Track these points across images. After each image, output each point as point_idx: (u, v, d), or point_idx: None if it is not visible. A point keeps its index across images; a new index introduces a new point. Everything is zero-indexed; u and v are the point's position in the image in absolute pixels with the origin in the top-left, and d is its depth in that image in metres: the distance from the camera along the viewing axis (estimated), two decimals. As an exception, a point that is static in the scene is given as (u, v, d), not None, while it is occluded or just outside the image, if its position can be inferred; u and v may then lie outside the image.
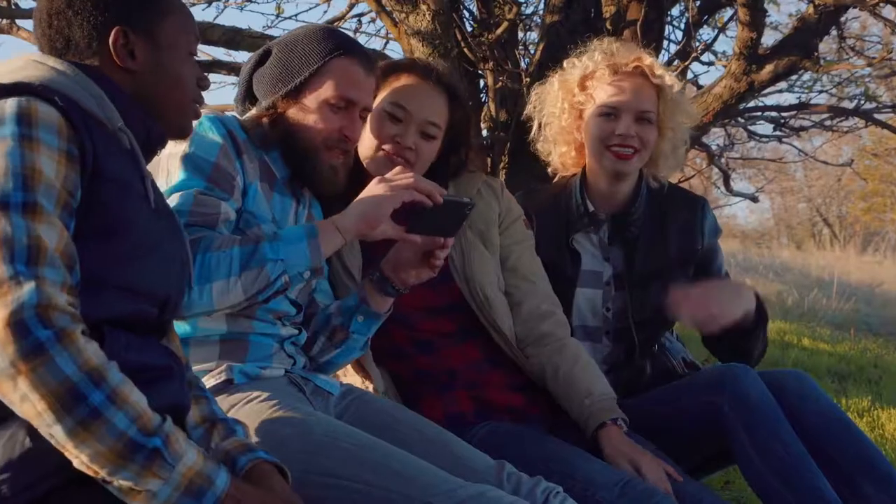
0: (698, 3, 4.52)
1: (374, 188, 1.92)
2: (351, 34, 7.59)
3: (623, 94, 2.56)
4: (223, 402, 1.88)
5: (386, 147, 2.34)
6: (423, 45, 4.20)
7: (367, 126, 2.34)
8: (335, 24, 6.04)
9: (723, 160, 6.01)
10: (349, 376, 2.37)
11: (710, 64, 4.83)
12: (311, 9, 7.72)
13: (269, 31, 5.70)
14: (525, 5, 4.46)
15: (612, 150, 2.57)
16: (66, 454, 1.29)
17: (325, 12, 5.78)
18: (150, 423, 1.32)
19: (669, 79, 2.58)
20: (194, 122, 1.79)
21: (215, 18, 9.62)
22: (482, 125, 4.57)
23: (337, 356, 2.23)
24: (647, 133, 2.57)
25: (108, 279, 1.42)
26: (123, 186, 1.50)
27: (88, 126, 1.46)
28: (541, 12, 5.15)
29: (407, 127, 2.34)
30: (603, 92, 2.58)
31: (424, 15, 4.15)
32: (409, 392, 2.37)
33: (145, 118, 1.62)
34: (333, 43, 2.13)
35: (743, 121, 5.55)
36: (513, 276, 2.48)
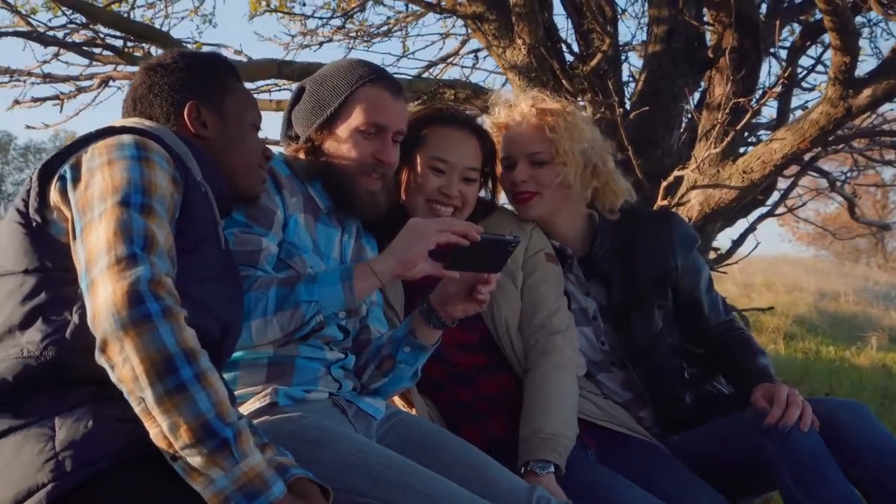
0: (800, 28, 4.45)
1: (409, 232, 1.97)
2: (468, 70, 7.72)
3: (509, 143, 2.65)
4: (265, 422, 1.98)
5: (433, 198, 2.46)
6: (519, 79, 4.29)
7: (413, 180, 2.47)
8: (449, 59, 6.19)
9: (846, 187, 5.80)
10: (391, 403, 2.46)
11: (810, 89, 4.72)
12: (427, 46, 8.06)
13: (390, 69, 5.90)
14: (622, 35, 4.44)
15: (515, 197, 2.65)
16: (148, 424, 1.44)
17: (441, 49, 5.98)
18: (227, 414, 1.46)
19: (552, 117, 2.59)
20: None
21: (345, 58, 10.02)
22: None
23: (386, 385, 2.29)
24: (543, 174, 2.59)
25: (185, 290, 1.58)
26: (202, 219, 1.75)
27: (181, 164, 1.73)
28: (640, 42, 5.17)
29: (450, 177, 2.46)
30: (500, 146, 2.66)
31: (520, 49, 4.25)
32: (450, 421, 2.45)
33: (219, 179, 1.88)
34: (360, 72, 2.25)
35: (860, 146, 5.37)
36: (522, 306, 2.55)
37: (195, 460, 1.43)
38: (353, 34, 6.32)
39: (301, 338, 2.02)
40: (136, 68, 5.47)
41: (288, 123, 2.37)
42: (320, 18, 5.98)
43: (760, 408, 2.32)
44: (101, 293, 1.46)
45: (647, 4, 4.86)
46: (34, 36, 4.63)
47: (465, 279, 2.09)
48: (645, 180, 4.14)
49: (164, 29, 5.75)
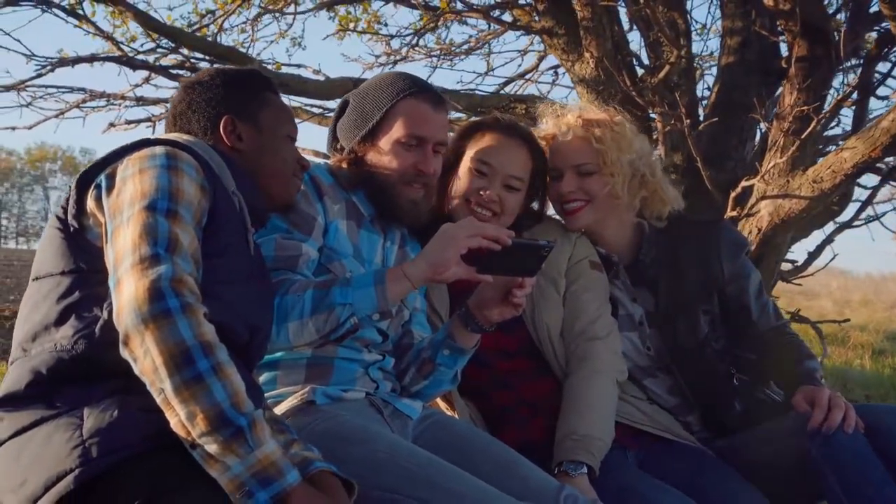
0: (876, 36, 4.36)
1: (441, 236, 2.03)
2: (548, 86, 7.74)
3: (556, 154, 2.66)
4: (301, 419, 2.06)
5: (472, 199, 2.51)
6: (588, 92, 4.32)
7: (458, 182, 2.53)
8: (528, 76, 6.25)
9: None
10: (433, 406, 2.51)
11: (884, 98, 4.60)
12: (506, 63, 8.17)
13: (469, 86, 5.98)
14: (684, 46, 4.43)
15: (563, 208, 2.66)
16: (168, 413, 1.52)
17: (520, 66, 6.06)
18: (243, 404, 1.54)
19: (599, 128, 2.61)
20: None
21: (429, 77, 10.27)
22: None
23: (426, 387, 2.36)
24: (591, 184, 2.62)
25: (211, 291, 1.69)
26: (230, 226, 1.84)
27: (211, 174, 1.83)
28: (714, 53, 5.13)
29: (492, 181, 2.51)
30: (548, 157, 2.68)
31: (588, 63, 4.27)
32: (491, 424, 2.49)
33: (253, 190, 1.99)
34: (400, 85, 2.32)
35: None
36: (564, 313, 2.57)
37: (212, 448, 1.50)
38: (436, 52, 6.44)
39: (337, 339, 2.09)
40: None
41: (333, 135, 2.46)
42: (401, 37, 6.11)
43: (801, 411, 2.30)
44: (125, 290, 1.55)
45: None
46: (124, 60, 4.86)
47: (499, 283, 2.13)
48: (716, 191, 4.12)
49: (255, 51, 5.98)
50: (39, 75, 4.99)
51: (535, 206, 2.71)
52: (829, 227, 4.71)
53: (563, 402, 2.43)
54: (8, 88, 5.33)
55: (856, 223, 4.62)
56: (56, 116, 5.66)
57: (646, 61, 4.71)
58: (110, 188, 1.73)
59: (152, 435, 1.57)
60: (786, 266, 4.61)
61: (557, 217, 2.76)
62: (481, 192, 2.51)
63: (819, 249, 4.61)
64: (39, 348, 1.69)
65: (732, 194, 3.81)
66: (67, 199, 1.78)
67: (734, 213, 3.87)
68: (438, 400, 2.53)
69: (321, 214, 2.25)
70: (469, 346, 2.29)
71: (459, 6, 5.11)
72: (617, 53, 4.34)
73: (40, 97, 5.54)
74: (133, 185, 1.70)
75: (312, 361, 2.23)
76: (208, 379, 1.51)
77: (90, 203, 1.74)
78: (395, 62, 5.91)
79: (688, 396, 2.62)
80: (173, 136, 1.97)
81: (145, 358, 1.51)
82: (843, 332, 8.60)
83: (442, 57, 6.48)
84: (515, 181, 2.54)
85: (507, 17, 5.44)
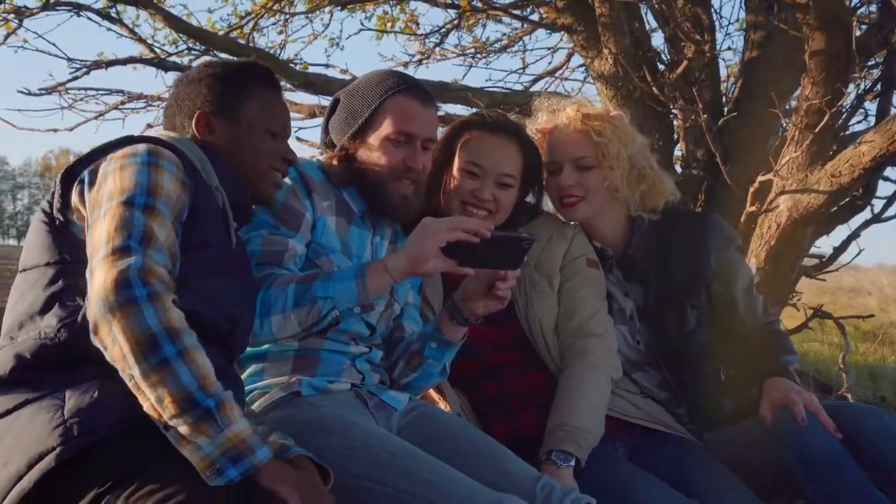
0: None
1: (420, 230, 2.05)
2: (578, 84, 7.72)
3: (554, 148, 2.66)
4: (286, 410, 2.12)
5: (466, 201, 2.54)
6: (606, 88, 4.33)
7: (452, 181, 2.57)
8: (558, 74, 6.26)
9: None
10: (427, 398, 2.56)
11: (904, 91, 4.52)
12: (537, 61, 8.14)
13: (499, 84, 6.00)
14: (707, 42, 4.41)
15: (561, 202, 2.66)
16: (140, 398, 1.59)
17: (550, 63, 6.06)
18: (210, 386, 1.60)
19: (599, 121, 2.61)
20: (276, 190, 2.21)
21: (464, 76, 10.34)
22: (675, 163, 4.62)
23: (415, 380, 2.39)
24: (589, 178, 2.61)
25: (191, 282, 1.77)
26: (210, 220, 1.91)
27: (193, 171, 1.91)
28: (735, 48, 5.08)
29: (484, 181, 2.54)
30: (545, 151, 2.68)
31: (607, 59, 4.28)
32: (482, 416, 2.52)
33: (237, 186, 2.05)
34: (389, 83, 2.35)
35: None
36: (560, 309, 2.59)
37: (182, 429, 1.57)
38: (470, 51, 6.48)
39: (320, 332, 2.13)
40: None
41: (326, 132, 2.50)
42: (434, 35, 6.16)
43: (765, 423, 2.33)
44: (96, 280, 1.62)
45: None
46: (156, 62, 4.97)
47: (482, 276, 2.17)
48: (736, 187, 4.10)
49: (291, 52, 6.07)
50: (75, 77, 5.13)
51: (530, 200, 2.73)
52: (856, 222, 4.66)
53: (556, 394, 2.45)
54: (49, 91, 5.49)
55: (883, 217, 4.55)
56: (96, 118, 5.81)
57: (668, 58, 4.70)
58: (92, 183, 1.80)
59: (131, 417, 1.62)
60: (805, 261, 4.56)
61: (554, 212, 2.77)
62: (475, 194, 2.54)
63: (845, 245, 4.55)
64: (25, 336, 1.77)
65: (751, 189, 3.79)
66: (53, 194, 1.85)
67: (753, 209, 3.85)
68: (431, 391, 2.57)
69: (309, 210, 2.30)
70: (456, 339, 2.32)
71: (481, 5, 5.14)
72: (637, 50, 4.34)
73: (80, 99, 5.69)
74: (113, 181, 1.76)
75: (299, 353, 2.28)
76: (174, 363, 1.57)
77: (74, 197, 1.82)
78: (421, 60, 5.96)
79: (676, 391, 2.63)
80: (157, 133, 2.04)
81: (114, 346, 1.58)
82: (881, 329, 8.48)
83: (476, 55, 6.51)
84: (507, 178, 2.56)
85: (534, 17, 5.46)
